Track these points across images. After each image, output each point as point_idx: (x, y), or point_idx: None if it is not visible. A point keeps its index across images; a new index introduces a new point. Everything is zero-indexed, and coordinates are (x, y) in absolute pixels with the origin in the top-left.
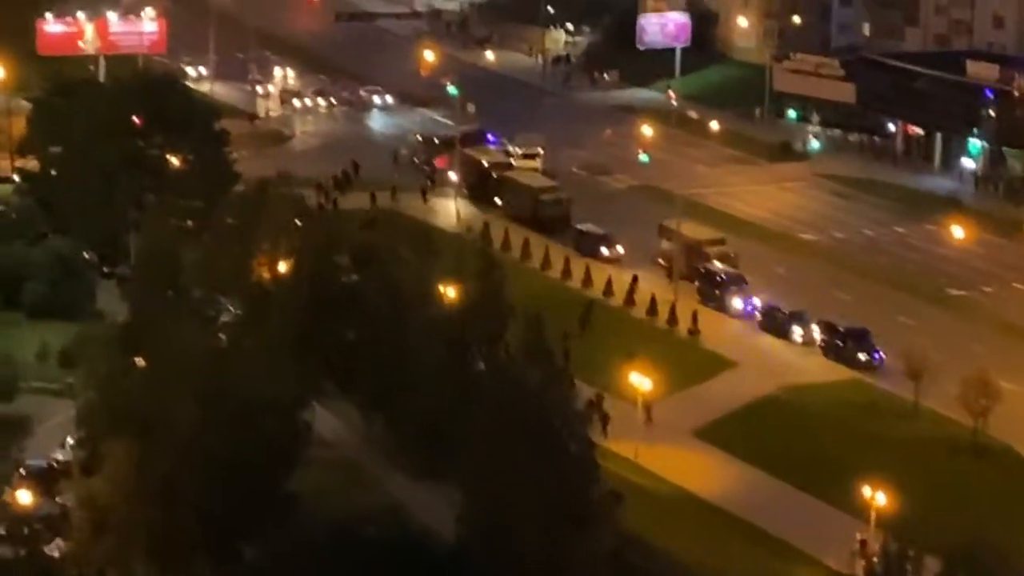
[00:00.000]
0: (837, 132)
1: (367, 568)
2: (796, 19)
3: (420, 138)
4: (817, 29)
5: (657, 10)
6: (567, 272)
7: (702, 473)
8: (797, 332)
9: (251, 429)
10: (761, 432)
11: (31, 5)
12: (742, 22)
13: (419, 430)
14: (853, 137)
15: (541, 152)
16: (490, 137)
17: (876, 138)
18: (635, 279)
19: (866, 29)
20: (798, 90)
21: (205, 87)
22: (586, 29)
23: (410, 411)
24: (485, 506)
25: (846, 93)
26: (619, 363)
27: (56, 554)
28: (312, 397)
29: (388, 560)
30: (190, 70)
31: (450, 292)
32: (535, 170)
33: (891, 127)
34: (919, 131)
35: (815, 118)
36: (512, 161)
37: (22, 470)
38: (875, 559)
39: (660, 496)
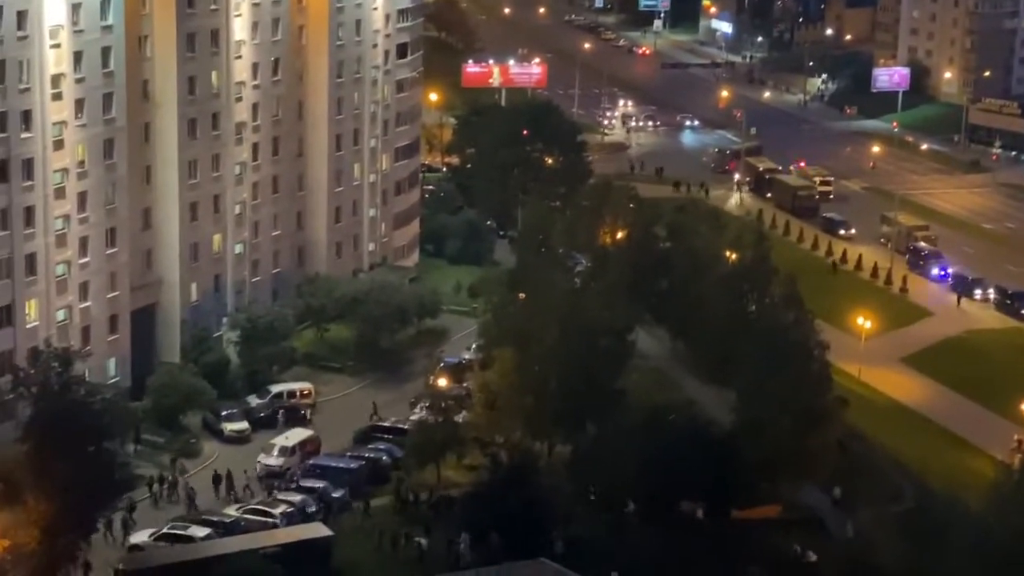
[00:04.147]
0: (1013, 153)
1: (671, 443)
2: (987, 73)
3: (717, 150)
4: (1002, 80)
5: (886, 65)
6: (815, 245)
7: (906, 388)
8: (978, 293)
9: (594, 344)
10: (950, 361)
11: (458, 54)
12: (947, 74)
13: (709, 349)
14: None
15: (832, 179)
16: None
17: None
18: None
19: None
20: (987, 123)
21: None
22: (834, 76)
23: (703, 336)
24: (752, 404)
25: (1022, 126)
26: (848, 309)
27: (461, 421)
28: (635, 324)
29: (685, 440)
30: (688, 122)
31: (733, 257)
32: (828, 194)
33: None
34: None
35: (998, 143)
36: (818, 184)
37: (442, 364)
38: None
39: (875, 403)
